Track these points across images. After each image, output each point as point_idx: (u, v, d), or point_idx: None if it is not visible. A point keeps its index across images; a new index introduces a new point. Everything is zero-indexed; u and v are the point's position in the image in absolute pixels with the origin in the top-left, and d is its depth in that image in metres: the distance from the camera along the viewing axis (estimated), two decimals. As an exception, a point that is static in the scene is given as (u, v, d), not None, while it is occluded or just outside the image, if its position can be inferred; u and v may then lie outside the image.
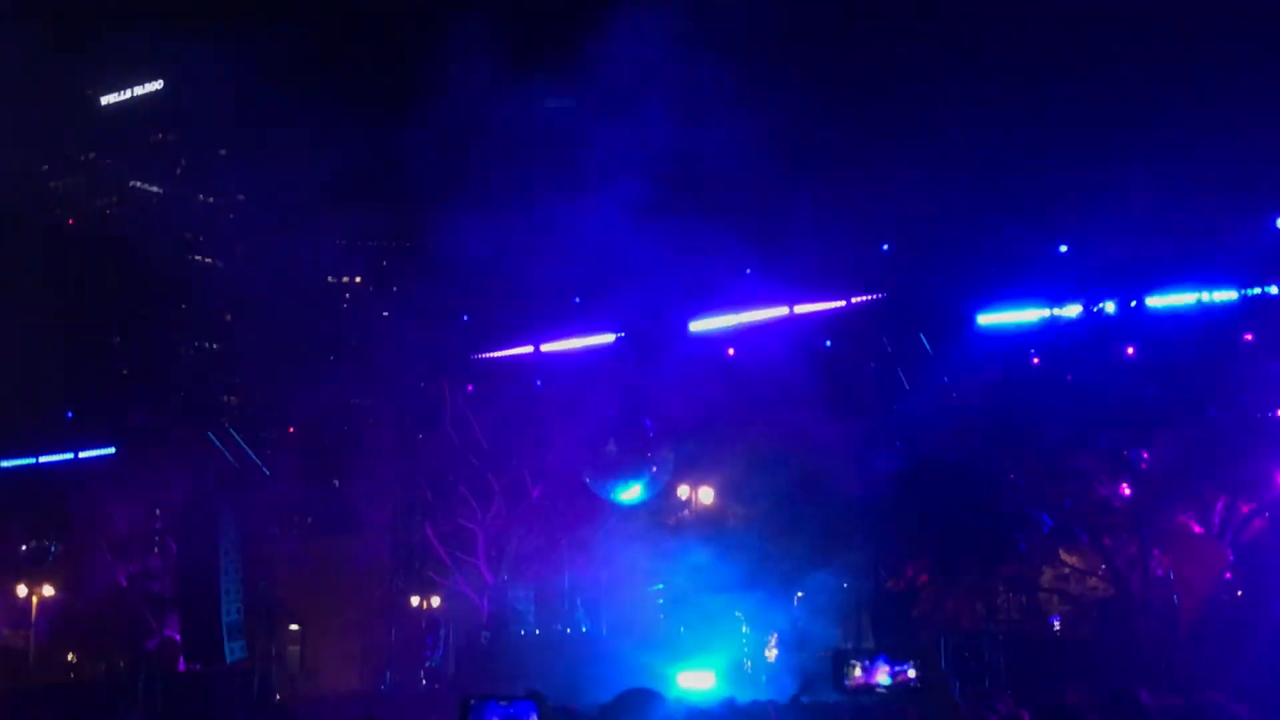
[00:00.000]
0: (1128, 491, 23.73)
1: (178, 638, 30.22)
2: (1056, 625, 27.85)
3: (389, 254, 37.97)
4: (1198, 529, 23.23)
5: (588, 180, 26.38)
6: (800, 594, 28.64)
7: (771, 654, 28.61)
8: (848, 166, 26.89)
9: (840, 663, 21.30)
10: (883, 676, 21.92)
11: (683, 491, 32.21)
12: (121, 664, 31.22)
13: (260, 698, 28.72)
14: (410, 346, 31.47)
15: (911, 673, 21.66)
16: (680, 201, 25.26)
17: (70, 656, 33.62)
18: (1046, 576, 27.44)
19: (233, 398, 35.81)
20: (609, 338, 29.56)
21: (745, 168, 24.96)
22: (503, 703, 12.05)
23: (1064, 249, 24.22)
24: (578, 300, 29.70)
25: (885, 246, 27.11)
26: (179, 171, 40.03)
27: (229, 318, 37.49)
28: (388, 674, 30.27)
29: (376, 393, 32.41)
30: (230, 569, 29.29)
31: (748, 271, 28.05)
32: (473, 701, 12.17)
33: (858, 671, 22.18)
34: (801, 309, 27.85)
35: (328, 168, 36.15)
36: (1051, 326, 23.99)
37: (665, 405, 29.18)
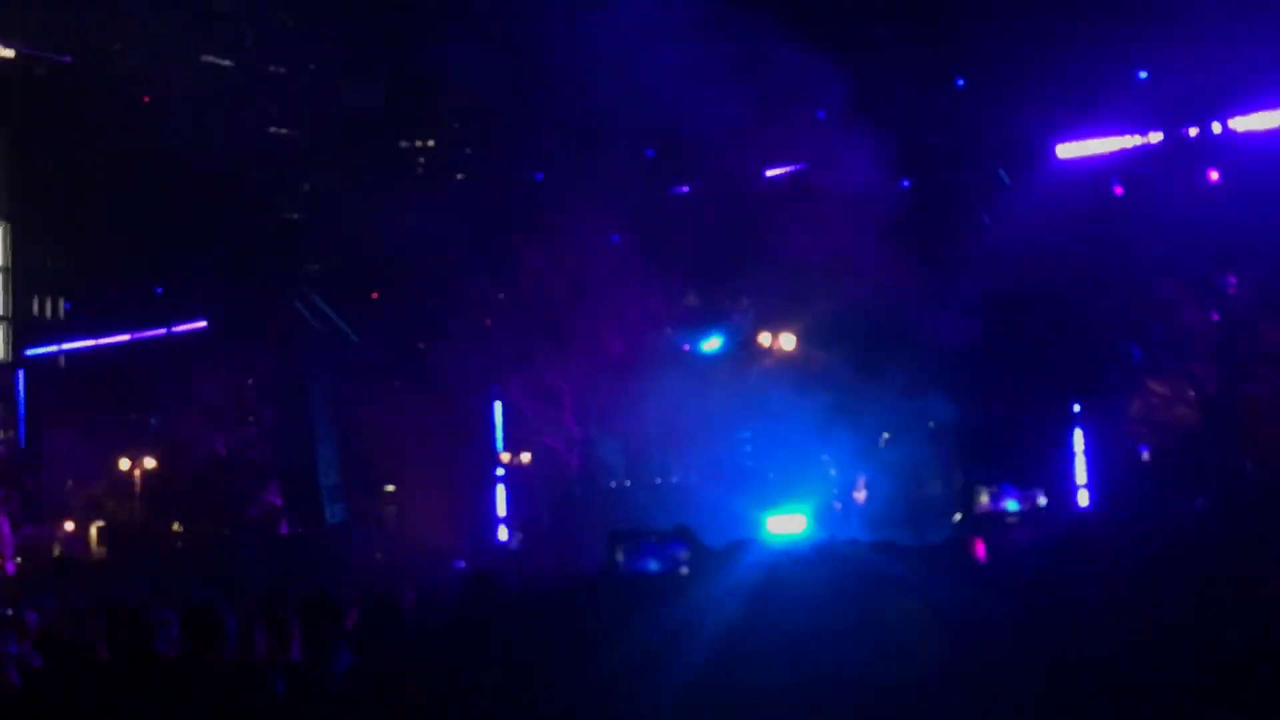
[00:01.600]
0: (1216, 318, 23.50)
1: (279, 502, 30.97)
2: (1145, 454, 27.78)
3: (465, 115, 37.88)
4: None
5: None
6: (887, 435, 28.81)
7: (861, 495, 28.88)
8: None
9: (968, 491, 21.33)
10: (1011, 504, 22.00)
11: (764, 339, 32.27)
12: (225, 531, 32.04)
13: (363, 556, 29.50)
14: (486, 209, 31.61)
15: (1042, 499, 21.69)
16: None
17: (176, 526, 34.55)
18: (1135, 406, 27.32)
19: (316, 265, 36.03)
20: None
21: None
22: (653, 539, 12.05)
23: (1144, 74, 23.75)
24: (650, 152, 29.65)
25: (960, 81, 26.71)
26: (248, 45, 39.98)
27: (307, 187, 37.70)
28: (483, 534, 30.85)
29: (457, 257, 32.59)
30: (326, 434, 29.97)
31: (820, 114, 27.81)
32: (620, 539, 12.18)
33: (984, 499, 22.29)
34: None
35: (395, 33, 35.95)
36: (1133, 154, 23.64)
37: (744, 252, 29.20)
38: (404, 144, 38.49)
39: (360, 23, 35.67)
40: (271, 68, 37.91)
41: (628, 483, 30.98)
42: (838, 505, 28.44)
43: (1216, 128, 22.51)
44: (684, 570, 11.08)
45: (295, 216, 36.67)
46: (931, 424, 28.09)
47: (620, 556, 12.43)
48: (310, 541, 29.74)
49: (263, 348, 32.24)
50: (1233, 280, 22.63)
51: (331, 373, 30.69)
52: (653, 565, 11.94)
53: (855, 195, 27.23)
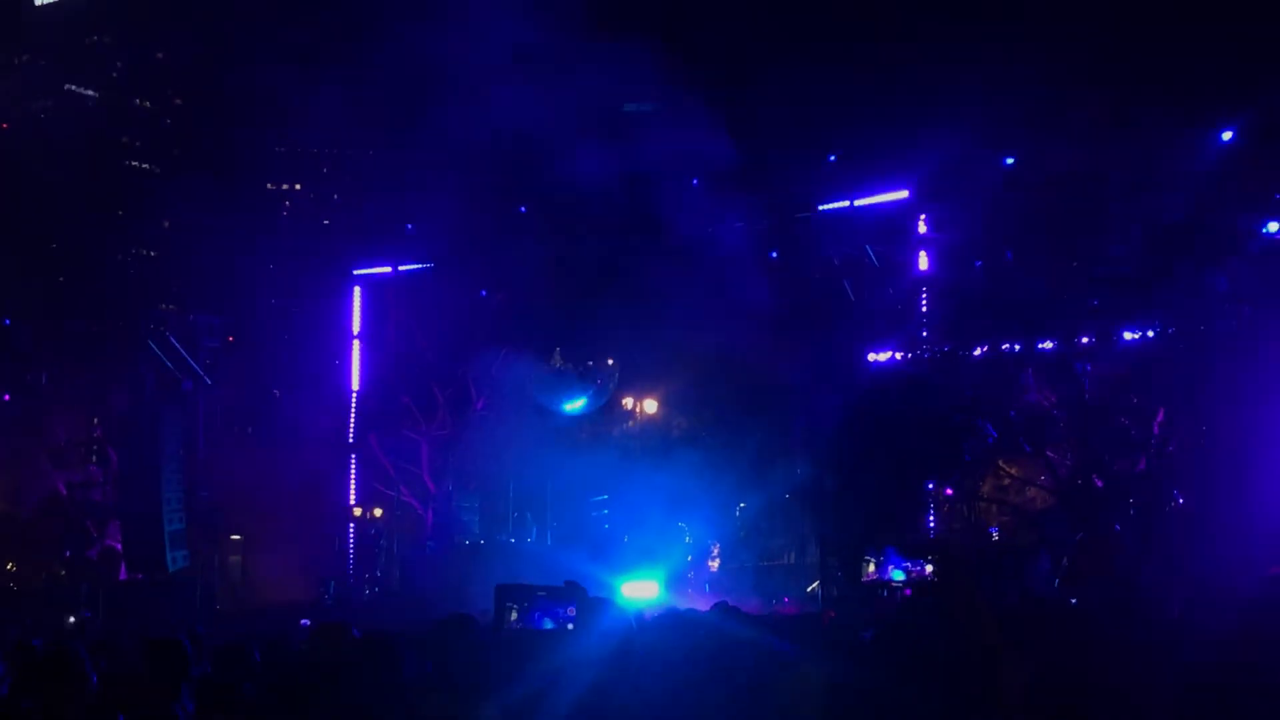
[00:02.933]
0: (1069, 403, 24.00)
1: (119, 547, 30.03)
2: (995, 535, 28.20)
3: (331, 161, 37.47)
4: (1137, 439, 23.56)
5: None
6: (743, 505, 28.85)
7: (715, 564, 28.83)
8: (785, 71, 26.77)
9: (854, 559, 21.32)
10: (897, 572, 22.08)
11: (628, 402, 32.31)
12: (62, 573, 30.99)
13: (202, 606, 28.67)
14: (345, 254, 31.29)
15: (929, 568, 21.80)
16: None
17: (10, 566, 33.31)
18: (986, 487, 27.75)
19: (171, 306, 35.28)
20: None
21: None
22: (542, 594, 11.83)
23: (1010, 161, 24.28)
24: (523, 209, 29.57)
25: (832, 157, 27.07)
26: (115, 75, 39.19)
27: (166, 224, 36.92)
28: (331, 584, 30.23)
29: (318, 301, 32.19)
30: (172, 478, 29.13)
31: (694, 182, 27.97)
32: (509, 595, 11.90)
33: (871, 568, 22.32)
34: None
35: (267, 73, 35.50)
36: (999, 237, 24.17)
37: (612, 317, 29.20)
38: (270, 186, 38.24)
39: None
40: (137, 101, 37.45)
41: (482, 541, 30.61)
42: (691, 572, 28.37)
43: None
44: (570, 627, 10.96)
45: (152, 254, 36.03)
46: (787, 495, 28.21)
47: (514, 614, 12.22)
48: (150, 588, 28.88)
49: (113, 387, 31.41)
50: (1089, 368, 23.10)
51: (182, 417, 29.91)
52: (546, 623, 11.78)
53: (724, 263, 27.50)
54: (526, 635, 11.50)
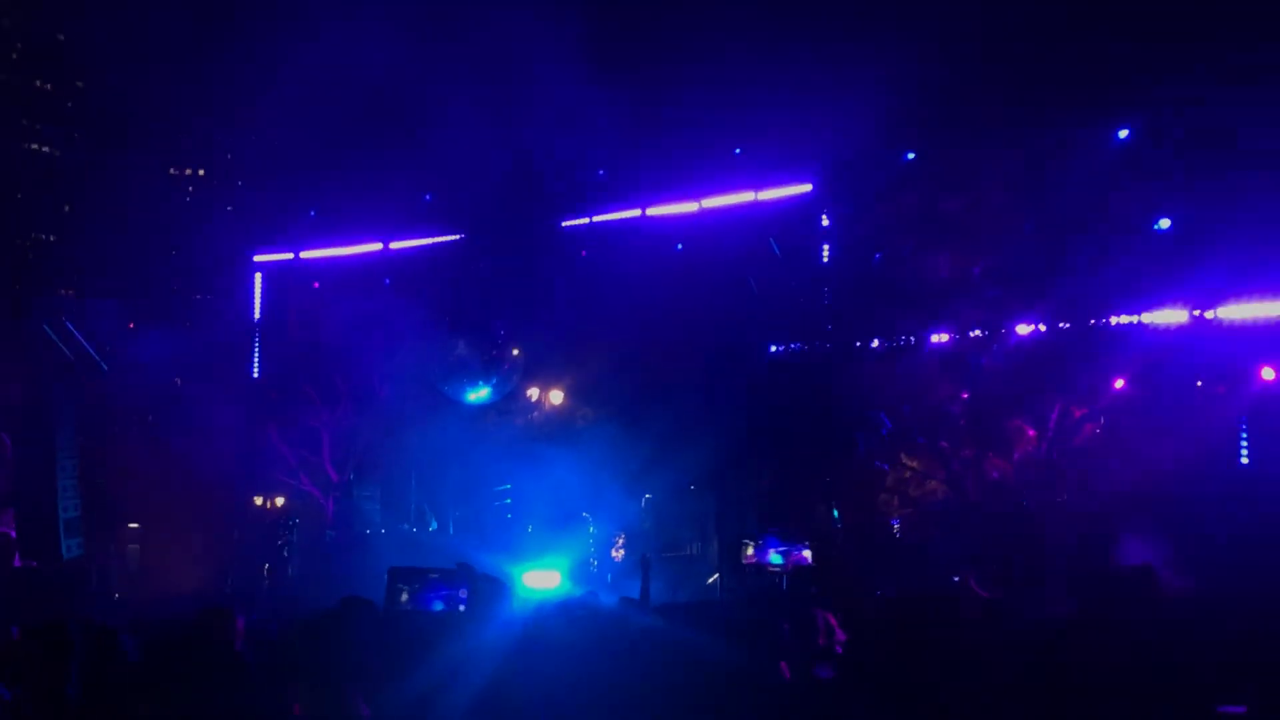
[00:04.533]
0: (965, 396, 24.32)
1: (13, 534, 29.52)
2: (896, 527, 28.53)
3: (236, 147, 37.05)
4: (1031, 433, 23.91)
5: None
6: (648, 495, 28.98)
7: (618, 554, 28.94)
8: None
9: (733, 546, 21.54)
10: (775, 557, 22.32)
11: (533, 393, 32.31)
12: (-47, 561, 30.41)
13: (98, 594, 28.31)
14: (246, 240, 30.99)
15: (807, 554, 22.06)
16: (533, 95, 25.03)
17: (-101, 553, 32.64)
18: (889, 479, 28.05)
19: (70, 290, 34.75)
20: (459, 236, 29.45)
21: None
22: (434, 576, 11.90)
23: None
24: (428, 198, 29.42)
25: (738, 150, 27.21)
26: (15, 57, 38.37)
27: (67, 208, 36.34)
28: (229, 574, 29.98)
29: (221, 291, 31.93)
30: (67, 465, 28.67)
31: (600, 173, 28.04)
32: (401, 577, 11.96)
33: (750, 551, 22.52)
34: (653, 211, 28.04)
35: (171, 56, 35.04)
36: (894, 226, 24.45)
37: (516, 306, 29.21)
38: (172, 171, 37.70)
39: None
40: (38, 83, 36.71)
41: (383, 531, 30.48)
42: (594, 562, 28.48)
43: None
44: (461, 609, 11.03)
45: (50, 238, 35.46)
46: (692, 486, 28.39)
47: (404, 596, 12.31)
48: (43, 576, 28.44)
49: (6, 371, 30.86)
50: (985, 361, 23.42)
51: (79, 403, 29.45)
52: (436, 605, 11.86)
53: (630, 253, 27.62)
54: (419, 617, 11.55)
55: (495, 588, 9.48)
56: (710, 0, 26.45)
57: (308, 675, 7.54)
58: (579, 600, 20.15)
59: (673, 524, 29.15)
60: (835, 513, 25.51)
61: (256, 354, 32.03)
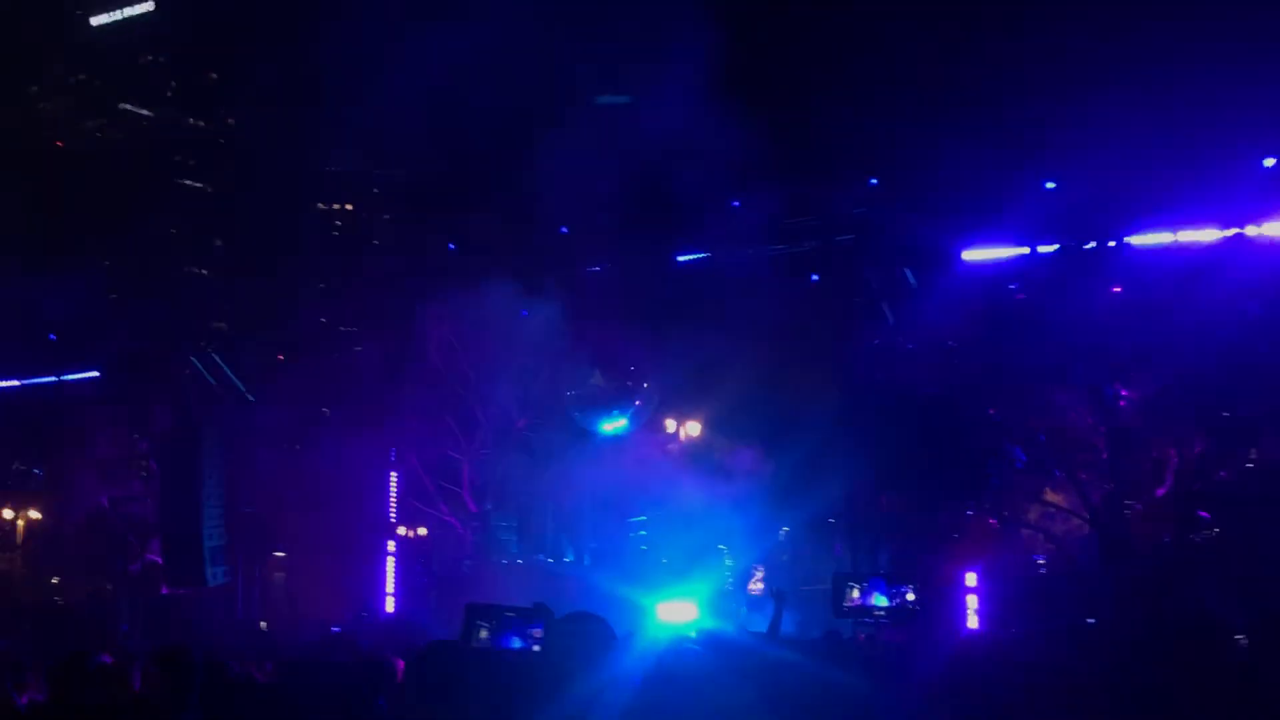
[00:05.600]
0: (1104, 429, 23.72)
1: (160, 561, 30.32)
2: (1041, 562, 27.94)
3: (381, 182, 37.73)
4: (1173, 466, 23.28)
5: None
6: (786, 528, 28.75)
7: (756, 587, 28.74)
8: (829, 98, 26.67)
9: (839, 585, 21.43)
10: (880, 599, 22.07)
11: (670, 424, 32.26)
12: (107, 586, 31.31)
13: (243, 622, 28.89)
14: (398, 274, 31.42)
15: (911, 595, 21.79)
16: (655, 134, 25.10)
17: (55, 579, 33.71)
18: (1033, 514, 27.48)
19: (222, 323, 35.61)
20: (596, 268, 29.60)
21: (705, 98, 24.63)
22: (510, 614, 11.90)
23: (1051, 185, 24.07)
24: (564, 230, 29.58)
25: (873, 180, 26.96)
26: (169, 94, 39.62)
27: (219, 243, 37.33)
28: (369, 603, 30.38)
29: (363, 321, 32.42)
30: (213, 493, 29.38)
31: (734, 204, 27.95)
32: (479, 614, 11.99)
33: (855, 594, 22.32)
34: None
35: (319, 95, 35.81)
36: (1033, 262, 23.96)
37: (653, 337, 29.20)
38: (321, 206, 38.58)
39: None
40: (190, 120, 37.94)
41: (519, 561, 30.63)
42: (730, 592, 28.39)
43: (1113, 243, 22.83)
44: (536, 649, 10.98)
45: (204, 272, 36.47)
46: (831, 520, 28.12)
47: (483, 633, 12.30)
48: (190, 603, 29.14)
49: (157, 401, 31.72)
50: (1125, 393, 22.85)
51: (225, 432, 30.16)
52: (514, 642, 11.84)
53: (766, 286, 27.48)
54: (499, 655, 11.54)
55: (584, 626, 9.14)
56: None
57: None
58: (706, 633, 20.06)
59: (810, 557, 28.87)
60: None
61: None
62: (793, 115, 27.56)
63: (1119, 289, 23.11)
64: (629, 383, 30.93)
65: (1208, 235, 22.16)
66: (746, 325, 27.09)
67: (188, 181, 37.80)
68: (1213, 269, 21.22)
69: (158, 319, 33.63)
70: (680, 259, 28.40)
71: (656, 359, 29.89)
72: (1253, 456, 23.85)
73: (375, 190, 39.15)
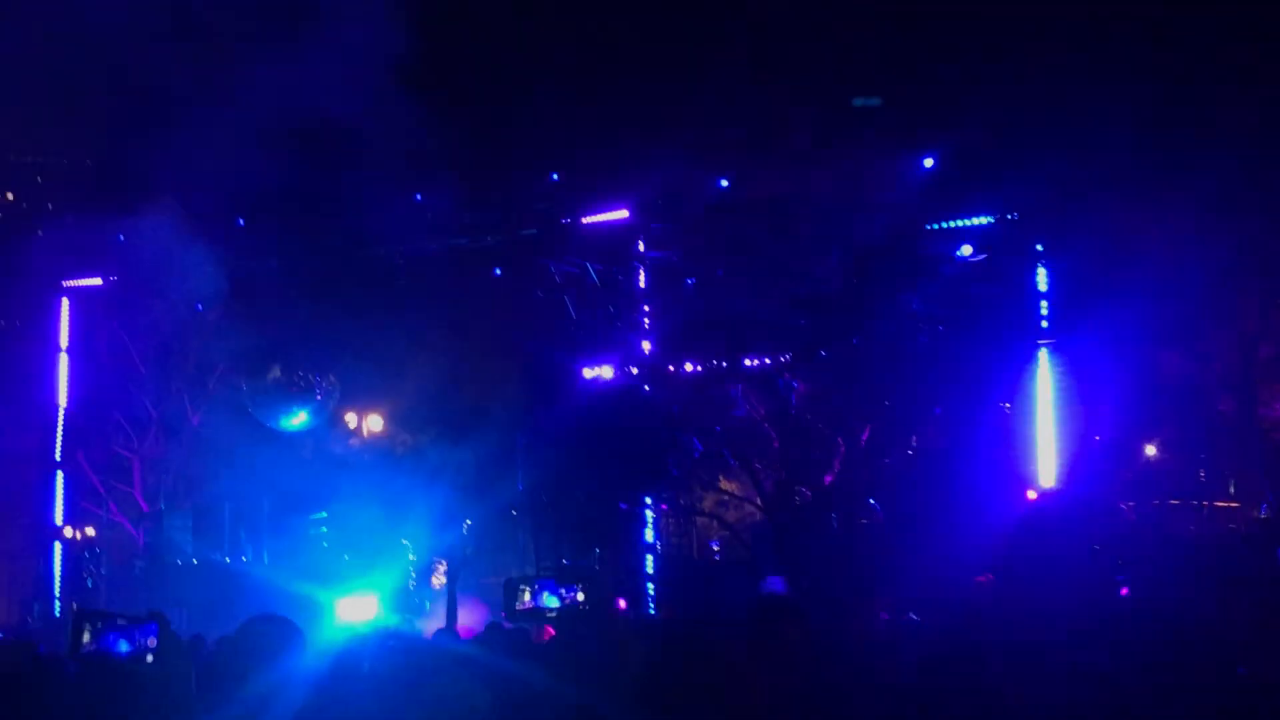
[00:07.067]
0: (773, 415, 24.66)
1: None
2: (716, 548, 28.83)
3: (43, 169, 35.97)
4: (841, 453, 24.35)
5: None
6: (469, 521, 28.82)
7: (439, 581, 28.72)
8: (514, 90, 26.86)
9: (510, 590, 21.72)
10: (550, 600, 22.44)
11: (351, 419, 31.95)
12: None
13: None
14: (56, 265, 30.10)
15: (580, 595, 22.23)
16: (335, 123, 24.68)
17: None
18: (709, 502, 28.30)
19: None
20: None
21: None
22: (122, 621, 11.64)
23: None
24: (241, 221, 28.82)
25: (554, 176, 27.21)
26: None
27: None
28: (35, 606, 29.10)
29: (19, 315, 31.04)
30: None
31: (417, 197, 27.78)
32: (87, 618, 11.73)
33: (527, 596, 22.61)
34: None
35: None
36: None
37: (332, 330, 28.80)
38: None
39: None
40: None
41: (195, 561, 29.78)
42: (413, 587, 28.30)
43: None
44: (150, 658, 10.93)
45: None
46: (514, 512, 28.30)
47: (87, 636, 12.06)
48: None
49: None
50: (796, 384, 23.78)
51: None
52: (122, 647, 11.67)
53: (449, 280, 27.50)
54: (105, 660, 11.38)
55: (269, 627, 8.93)
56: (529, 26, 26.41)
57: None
58: (391, 631, 19.99)
59: (494, 550, 28.99)
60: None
61: (63, 381, 31.01)
62: (478, 108, 27.54)
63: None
64: (309, 376, 30.44)
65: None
66: (430, 319, 27.10)
67: None
68: (881, 262, 22.29)
69: None
70: (361, 251, 27.98)
71: (337, 352, 29.54)
72: (913, 444, 25.19)
73: (38, 179, 37.19)
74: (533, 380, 26.08)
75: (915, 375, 22.85)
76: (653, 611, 24.20)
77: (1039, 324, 22.41)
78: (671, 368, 24.95)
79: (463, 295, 27.64)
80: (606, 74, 26.97)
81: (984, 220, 22.70)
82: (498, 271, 28.06)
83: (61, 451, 30.80)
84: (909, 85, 23.85)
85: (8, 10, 25.08)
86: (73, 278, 31.00)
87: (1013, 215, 22.71)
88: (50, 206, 36.30)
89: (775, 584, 20.62)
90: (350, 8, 24.36)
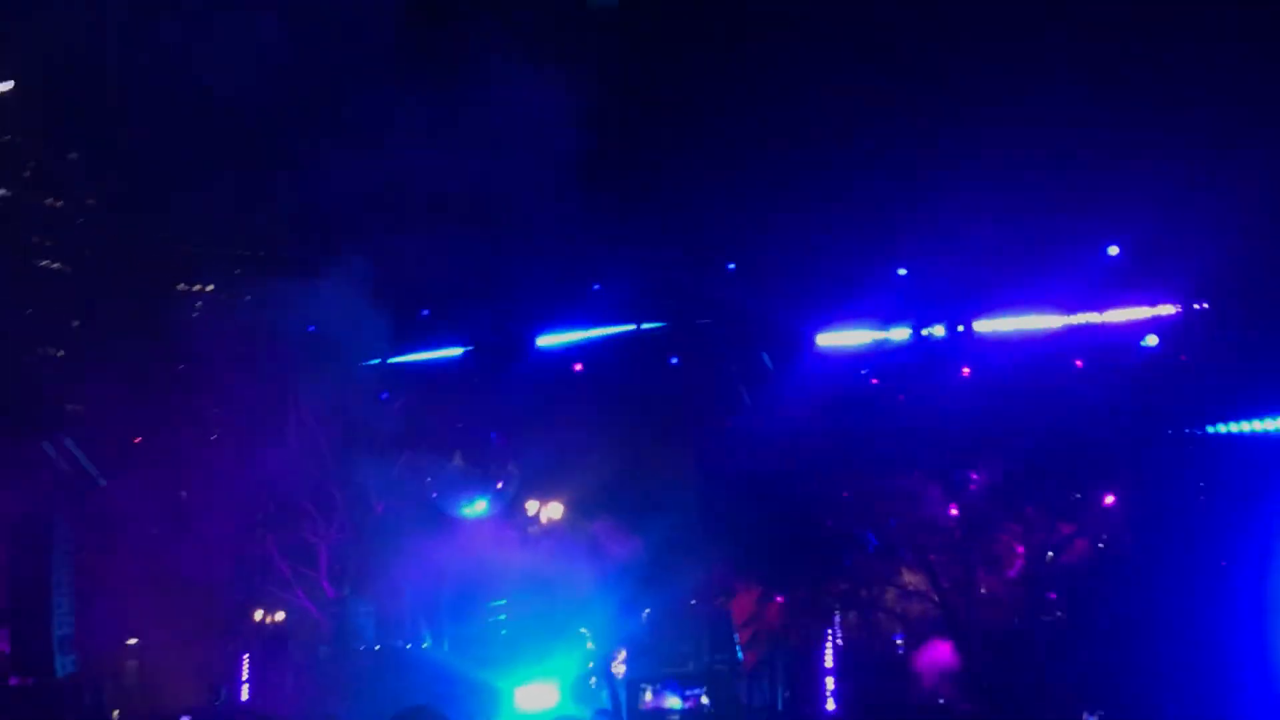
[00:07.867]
0: (955, 512, 24.14)
1: (6, 650, 29.43)
2: (899, 642, 28.25)
3: (242, 262, 37.22)
4: (1020, 549, 23.73)
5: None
6: (648, 610, 28.76)
7: (619, 669, 28.68)
8: (683, 185, 26.98)
9: (633, 690, 21.87)
10: (674, 701, 22.47)
11: (531, 506, 32.19)
12: (-50, 679, 30.24)
13: (93, 712, 28.14)
14: (256, 357, 30.97)
15: (705, 699, 22.26)
16: (509, 217, 25.13)
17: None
18: (890, 597, 27.76)
19: (76, 406, 34.77)
20: (456, 351, 29.49)
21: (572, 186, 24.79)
22: None
23: (902, 272, 24.62)
24: (425, 312, 29.50)
25: (731, 265, 27.30)
26: (27, 175, 38.77)
27: (76, 324, 36.54)
28: (223, 690, 29.71)
29: (220, 405, 31.93)
30: (63, 580, 28.67)
31: (595, 287, 28.12)
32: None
33: (649, 696, 22.72)
34: (649, 326, 28.14)
35: (182, 174, 35.33)
36: (883, 348, 24.43)
37: (512, 420, 29.17)
38: (181, 286, 37.88)
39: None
40: (49, 201, 37.03)
41: (377, 647, 30.22)
42: (593, 680, 28.23)
43: (961, 328, 23.38)
44: None
45: (60, 353, 35.59)
46: (693, 602, 28.19)
47: None
48: (40, 693, 28.29)
49: (6, 487, 30.86)
50: (974, 476, 23.30)
51: (75, 516, 29.47)
52: None
53: (624, 368, 27.66)
54: None
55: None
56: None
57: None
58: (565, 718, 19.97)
59: (674, 639, 28.84)
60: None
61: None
62: (649, 198, 27.78)
63: (966, 373, 23.63)
64: (490, 465, 30.83)
65: (1050, 321, 22.79)
66: (608, 406, 27.27)
67: (44, 262, 36.87)
68: (1054, 354, 21.81)
69: (7, 402, 32.78)
70: (539, 342, 28.39)
71: (517, 441, 29.89)
72: (1103, 539, 24.42)
73: (237, 271, 38.50)
74: (708, 469, 26.06)
75: (1091, 468, 22.21)
76: (832, 708, 23.85)
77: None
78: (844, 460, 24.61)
79: (640, 382, 27.74)
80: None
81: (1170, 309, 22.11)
82: (674, 360, 28.17)
83: (253, 538, 31.54)
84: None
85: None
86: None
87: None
88: (247, 297, 37.64)
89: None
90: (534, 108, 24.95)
